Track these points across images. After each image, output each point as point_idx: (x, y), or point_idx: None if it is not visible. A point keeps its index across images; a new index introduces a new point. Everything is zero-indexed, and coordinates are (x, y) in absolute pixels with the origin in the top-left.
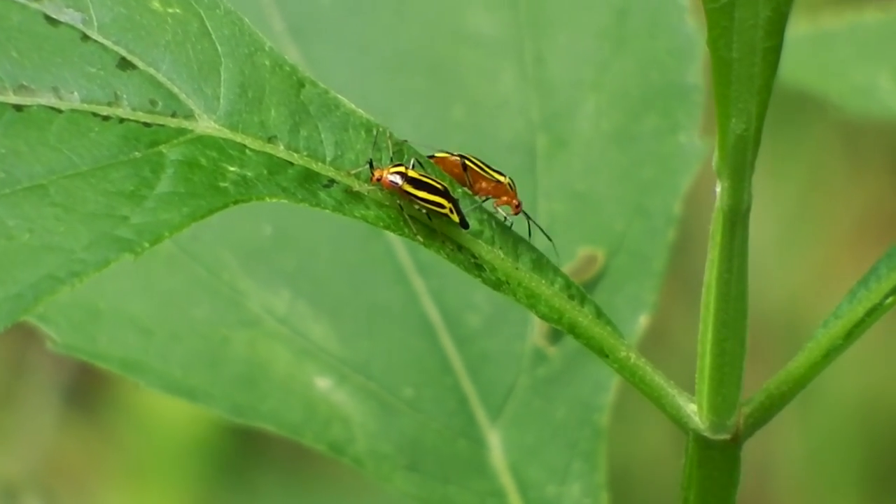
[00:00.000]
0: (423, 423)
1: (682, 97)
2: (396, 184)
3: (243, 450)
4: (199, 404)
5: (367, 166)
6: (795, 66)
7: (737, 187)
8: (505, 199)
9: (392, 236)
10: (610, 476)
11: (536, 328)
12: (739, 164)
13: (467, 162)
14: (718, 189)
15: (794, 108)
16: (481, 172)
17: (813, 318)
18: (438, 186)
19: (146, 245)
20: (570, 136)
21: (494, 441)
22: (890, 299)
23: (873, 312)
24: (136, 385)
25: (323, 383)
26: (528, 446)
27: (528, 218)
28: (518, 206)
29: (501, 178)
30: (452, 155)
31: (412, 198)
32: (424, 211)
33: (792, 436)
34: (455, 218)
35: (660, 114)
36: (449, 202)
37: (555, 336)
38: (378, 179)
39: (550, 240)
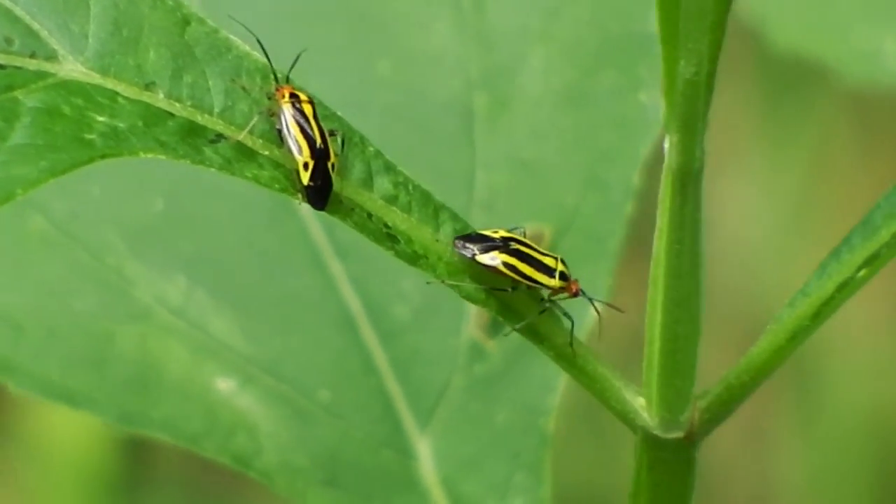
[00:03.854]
0: (343, 432)
1: (643, 49)
2: (285, 98)
3: (137, 464)
4: (81, 410)
5: (259, 115)
6: (789, 27)
7: (687, 142)
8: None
9: (307, 213)
10: (557, 489)
11: (473, 319)
12: (690, 115)
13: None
14: (667, 145)
15: (794, 80)
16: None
17: None
18: (315, 136)
19: None
20: (514, 95)
21: (424, 451)
22: (863, 272)
23: (844, 288)
24: (20, 403)
25: (225, 385)
26: (464, 457)
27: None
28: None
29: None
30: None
31: (282, 121)
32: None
33: (793, 454)
34: (304, 177)
35: (618, 69)
36: (312, 158)
37: (494, 328)
38: (277, 90)
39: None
